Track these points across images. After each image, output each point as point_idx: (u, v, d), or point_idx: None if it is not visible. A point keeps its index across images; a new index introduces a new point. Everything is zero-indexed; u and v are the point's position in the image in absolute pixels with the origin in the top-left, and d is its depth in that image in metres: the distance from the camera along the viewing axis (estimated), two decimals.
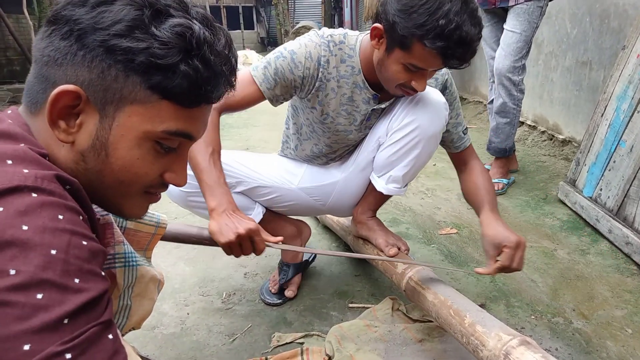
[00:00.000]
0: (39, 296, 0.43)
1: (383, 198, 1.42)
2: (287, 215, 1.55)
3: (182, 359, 1.21)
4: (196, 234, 1.10)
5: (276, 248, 1.11)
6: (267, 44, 21.04)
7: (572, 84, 2.82)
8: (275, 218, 1.50)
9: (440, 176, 2.65)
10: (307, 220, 1.88)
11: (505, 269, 1.13)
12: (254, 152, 1.64)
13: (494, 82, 2.43)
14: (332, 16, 17.10)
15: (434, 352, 1.20)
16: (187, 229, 1.10)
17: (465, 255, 1.76)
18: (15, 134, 0.53)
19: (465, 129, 1.40)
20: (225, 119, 4.54)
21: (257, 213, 1.41)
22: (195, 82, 0.56)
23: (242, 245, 1.06)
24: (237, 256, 1.08)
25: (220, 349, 1.25)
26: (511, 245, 1.11)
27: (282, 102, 1.28)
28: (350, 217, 1.54)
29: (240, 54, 8.09)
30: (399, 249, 1.34)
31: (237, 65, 0.63)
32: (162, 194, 0.69)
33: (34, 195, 0.46)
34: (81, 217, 0.51)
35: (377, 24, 1.11)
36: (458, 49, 1.03)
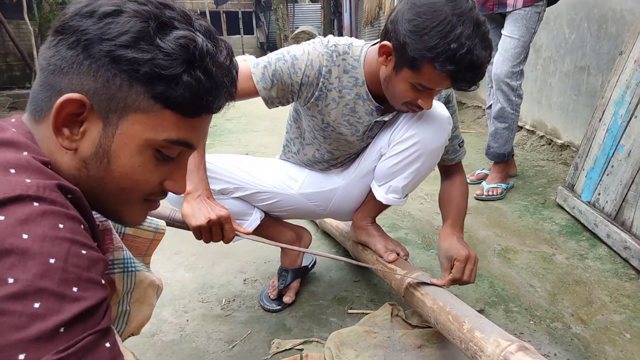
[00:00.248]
0: (36, 305, 0.43)
1: (383, 205, 1.42)
2: (286, 219, 1.55)
3: None
4: (168, 215, 1.14)
5: (245, 238, 1.14)
6: (267, 48, 21.09)
7: (571, 89, 2.83)
8: (275, 223, 1.50)
9: (439, 181, 2.65)
10: (306, 225, 1.88)
11: (457, 281, 1.19)
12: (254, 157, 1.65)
13: (492, 87, 2.44)
14: (332, 21, 17.16)
15: (433, 357, 1.20)
16: (160, 211, 1.13)
17: None
18: (18, 143, 0.54)
19: (462, 142, 1.41)
20: (225, 123, 4.56)
21: (255, 218, 1.41)
22: (197, 92, 0.57)
23: (212, 231, 1.09)
24: (206, 241, 1.12)
25: (219, 355, 1.25)
26: (461, 258, 1.17)
27: (277, 106, 1.27)
28: (350, 223, 1.55)
29: (240, 58, 8.10)
30: (397, 254, 1.35)
31: (237, 77, 0.64)
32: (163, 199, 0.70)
33: (36, 204, 0.47)
34: (82, 226, 0.51)
35: (386, 42, 1.09)
36: (468, 73, 1.03)
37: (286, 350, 1.26)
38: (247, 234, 1.14)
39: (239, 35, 20.25)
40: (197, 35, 0.57)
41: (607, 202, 1.84)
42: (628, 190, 1.71)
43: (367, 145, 1.38)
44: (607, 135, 1.91)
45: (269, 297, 1.47)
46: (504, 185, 2.41)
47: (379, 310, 1.39)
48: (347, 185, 1.44)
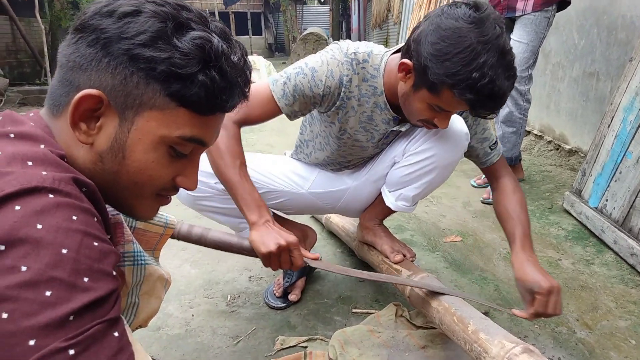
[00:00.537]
0: (48, 293, 0.44)
1: (391, 211, 1.42)
2: (293, 215, 1.55)
3: None
4: (236, 244, 1.10)
5: (313, 265, 1.10)
6: (275, 49, 21.18)
7: (579, 95, 2.82)
8: (281, 222, 1.51)
9: (446, 184, 2.64)
10: (312, 225, 1.89)
11: (541, 315, 1.10)
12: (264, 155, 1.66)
13: None
14: (340, 23, 17.19)
15: (437, 358, 1.20)
16: (228, 238, 1.10)
17: (470, 263, 1.76)
18: (36, 136, 0.55)
19: (494, 143, 1.35)
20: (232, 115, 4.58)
21: None
22: (212, 91, 0.59)
23: (281, 258, 1.05)
24: (274, 269, 1.07)
25: (224, 351, 1.26)
26: (543, 292, 1.07)
27: (299, 117, 1.26)
28: (355, 222, 1.55)
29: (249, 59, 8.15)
30: (404, 256, 1.35)
31: (250, 77, 0.66)
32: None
33: (51, 196, 0.48)
34: (95, 219, 0.52)
35: (406, 60, 1.07)
36: (488, 103, 1.00)
37: (290, 347, 1.26)
38: (315, 259, 1.09)
39: (248, 36, 20.34)
40: (212, 36, 0.59)
41: (614, 208, 1.83)
42: (636, 197, 1.71)
43: (381, 150, 1.38)
44: (615, 142, 1.91)
45: (274, 294, 1.48)
46: None
47: (384, 310, 1.40)
48: (357, 187, 1.44)
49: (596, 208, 1.96)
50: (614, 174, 1.87)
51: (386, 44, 10.18)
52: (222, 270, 1.67)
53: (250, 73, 0.65)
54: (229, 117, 1.15)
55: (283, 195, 1.42)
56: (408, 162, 1.28)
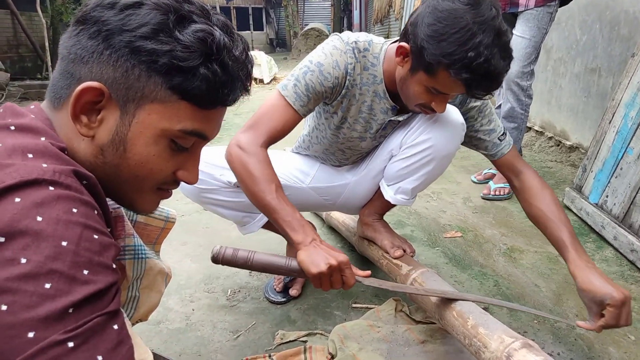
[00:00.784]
0: (47, 286, 0.44)
1: (390, 205, 1.42)
2: None
3: (186, 354, 1.23)
4: (285, 265, 1.05)
5: (367, 283, 1.07)
6: (276, 45, 21.13)
7: (581, 91, 2.82)
8: None
9: (446, 179, 2.65)
10: (312, 220, 1.89)
11: (612, 327, 1.05)
12: None
13: (502, 87, 2.43)
14: (342, 18, 17.13)
15: (436, 353, 1.21)
16: (275, 260, 1.05)
17: (470, 258, 1.76)
18: (37, 128, 0.55)
19: (503, 134, 1.33)
20: (233, 118, 4.58)
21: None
22: (214, 84, 0.59)
23: (333, 278, 1.01)
24: (325, 289, 1.03)
25: (224, 345, 1.27)
26: (616, 304, 1.02)
27: (311, 113, 1.26)
28: (356, 217, 1.56)
29: (250, 54, 8.13)
30: (404, 251, 1.36)
31: (252, 71, 0.65)
32: (174, 190, 0.71)
33: (51, 188, 0.48)
34: (96, 212, 0.52)
35: (403, 43, 1.08)
36: (484, 82, 1.01)
37: (290, 341, 1.27)
38: (367, 276, 1.07)
39: (249, 31, 20.28)
40: (214, 29, 0.59)
41: (615, 204, 1.83)
42: (637, 193, 1.71)
43: (379, 144, 1.39)
44: (616, 138, 1.91)
45: (275, 289, 1.48)
46: None
47: (383, 305, 1.40)
48: (357, 182, 1.44)
49: (596, 204, 1.95)
50: (615, 170, 1.87)
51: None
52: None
53: (251, 67, 0.65)
54: (255, 143, 1.14)
55: (285, 190, 1.42)
56: (405, 154, 1.28)
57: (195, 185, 1.30)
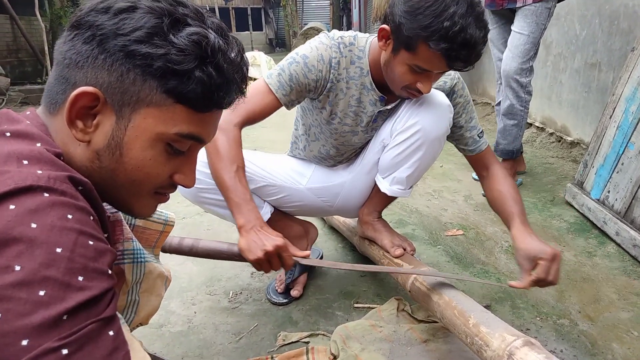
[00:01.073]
0: (41, 293, 0.44)
1: (388, 199, 1.42)
2: (295, 215, 1.56)
3: (188, 357, 1.23)
4: (227, 250, 1.12)
5: (304, 263, 1.11)
6: (276, 45, 21.12)
7: (581, 86, 2.80)
8: (283, 218, 1.51)
9: (447, 178, 2.65)
10: (313, 221, 1.89)
11: (540, 282, 1.11)
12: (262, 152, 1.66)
13: (501, 83, 2.43)
14: (341, 17, 17.12)
15: (439, 352, 1.20)
16: (218, 246, 1.12)
17: (471, 256, 1.76)
18: (32, 134, 0.55)
19: (481, 132, 1.39)
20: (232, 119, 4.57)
21: (265, 212, 1.43)
22: (209, 87, 0.58)
23: (271, 261, 1.07)
24: (266, 272, 1.09)
25: (226, 347, 1.27)
26: (547, 257, 1.09)
27: (295, 106, 1.30)
28: (357, 218, 1.55)
29: (249, 55, 8.13)
30: (404, 249, 1.35)
31: (248, 73, 0.65)
32: (174, 193, 0.71)
33: (46, 195, 0.48)
34: (91, 218, 0.52)
35: (384, 25, 1.13)
36: (462, 51, 1.04)
37: (292, 342, 1.27)
38: (306, 257, 1.11)
39: (248, 32, 20.29)
40: (209, 32, 0.59)
41: (616, 199, 1.82)
42: (638, 188, 1.70)
43: (371, 138, 1.39)
44: (617, 133, 1.90)
45: (276, 290, 1.48)
46: None
47: (385, 305, 1.40)
48: (353, 180, 1.44)
49: (598, 200, 1.95)
50: (616, 165, 1.86)
51: None
52: (224, 267, 1.68)
53: (247, 69, 0.65)
54: (230, 121, 1.17)
55: (282, 191, 1.43)
56: (396, 141, 1.29)
57: (194, 188, 1.31)
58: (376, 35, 1.23)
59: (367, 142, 1.41)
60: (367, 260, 1.59)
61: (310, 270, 1.57)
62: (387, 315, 1.35)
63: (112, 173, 0.61)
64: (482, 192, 2.38)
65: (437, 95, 1.26)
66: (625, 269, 1.62)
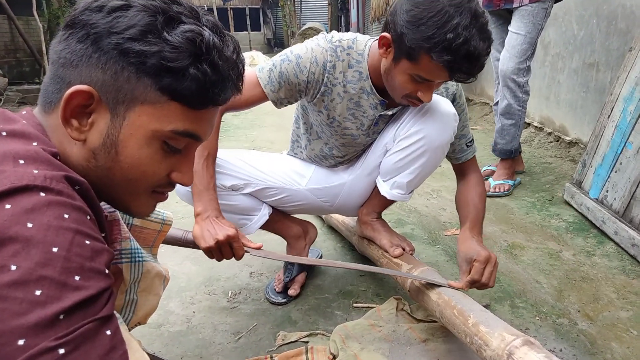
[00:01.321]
0: (37, 292, 0.43)
1: (388, 201, 1.42)
2: (293, 214, 1.56)
3: (187, 357, 1.22)
4: (181, 237, 1.16)
5: (255, 254, 1.14)
6: (274, 45, 21.12)
7: (579, 86, 2.81)
8: (282, 218, 1.51)
9: (445, 177, 2.64)
10: (312, 220, 1.89)
11: (475, 284, 1.15)
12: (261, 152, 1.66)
13: (499, 83, 2.43)
14: (339, 18, 17.12)
15: (438, 352, 1.20)
16: (173, 232, 1.15)
17: None
18: (28, 134, 0.55)
19: (471, 141, 1.39)
20: (232, 119, 4.57)
21: (264, 214, 1.42)
22: (204, 84, 0.58)
23: (222, 251, 1.11)
24: (218, 260, 1.14)
25: (225, 347, 1.26)
26: (480, 259, 1.13)
27: (286, 105, 1.28)
28: (355, 218, 1.55)
29: (247, 55, 8.13)
30: (403, 249, 1.35)
31: (244, 71, 0.65)
32: (172, 193, 0.71)
33: (42, 194, 0.48)
34: (88, 217, 0.52)
35: (385, 33, 1.10)
36: (465, 64, 1.02)
37: (291, 342, 1.26)
38: (257, 248, 1.15)
39: (246, 32, 20.28)
40: (203, 29, 0.58)
41: (615, 199, 1.83)
42: (637, 187, 1.70)
43: (374, 141, 1.38)
44: (615, 132, 1.90)
45: (275, 290, 1.48)
46: (511, 182, 2.40)
47: (384, 304, 1.40)
48: (354, 181, 1.44)
49: (597, 199, 1.95)
50: (614, 164, 1.86)
51: None
52: (222, 266, 1.67)
53: (243, 67, 0.65)
54: None
55: (281, 192, 1.42)
56: (399, 147, 1.28)
57: (187, 189, 1.31)
58: (376, 39, 1.21)
59: (369, 144, 1.40)
60: (368, 260, 1.59)
61: (309, 270, 1.57)
62: (387, 314, 1.35)
63: (108, 172, 0.60)
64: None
65: (443, 104, 1.24)
66: (624, 268, 1.63)
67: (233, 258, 1.15)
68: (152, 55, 0.55)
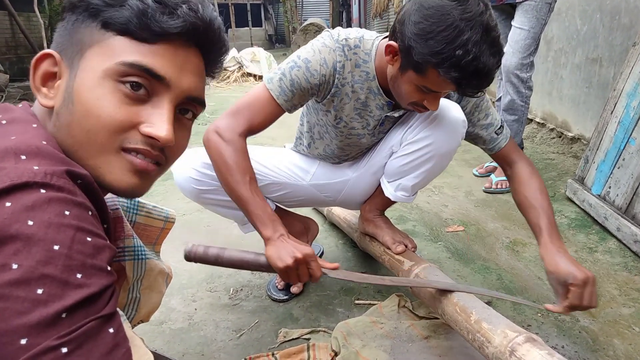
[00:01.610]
0: (39, 291, 0.43)
1: (391, 201, 1.42)
2: (295, 208, 1.55)
3: (189, 354, 1.23)
4: (253, 260, 1.08)
5: (332, 276, 1.08)
6: (275, 41, 21.07)
7: (582, 81, 2.80)
8: (284, 215, 1.51)
9: (447, 174, 2.64)
10: (314, 216, 1.89)
11: (577, 308, 1.05)
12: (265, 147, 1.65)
13: (502, 79, 2.42)
14: (340, 13, 17.07)
15: (440, 348, 1.20)
16: (244, 255, 1.08)
17: (472, 253, 1.76)
18: (25, 119, 0.57)
19: (500, 127, 1.32)
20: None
21: None
22: (144, 13, 0.57)
23: (299, 271, 1.04)
24: (294, 282, 1.06)
25: (227, 344, 1.26)
26: (578, 283, 1.02)
27: (298, 109, 1.26)
28: (357, 213, 1.55)
29: (249, 50, 8.10)
30: (405, 246, 1.35)
31: (205, 5, 0.61)
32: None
33: (42, 191, 0.47)
34: (90, 213, 0.51)
35: (392, 42, 1.06)
36: (473, 80, 0.99)
37: (293, 339, 1.27)
38: (334, 269, 1.08)
39: (247, 28, 20.23)
40: None
41: (617, 195, 1.82)
42: (639, 183, 1.70)
43: (379, 140, 1.38)
44: (618, 128, 1.89)
45: (277, 287, 1.48)
46: None
47: (386, 301, 1.40)
48: (357, 178, 1.44)
49: (599, 195, 1.94)
50: (617, 160, 1.85)
51: None
52: None
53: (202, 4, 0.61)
54: (234, 130, 1.13)
55: (285, 188, 1.42)
56: (405, 151, 1.27)
57: (194, 186, 1.31)
58: (384, 36, 1.19)
59: (375, 143, 1.39)
60: (369, 257, 1.59)
61: None
62: (388, 311, 1.35)
63: (68, 129, 0.57)
64: (483, 187, 2.39)
65: (452, 109, 1.22)
66: (627, 264, 1.62)
67: (309, 280, 1.08)
68: None
